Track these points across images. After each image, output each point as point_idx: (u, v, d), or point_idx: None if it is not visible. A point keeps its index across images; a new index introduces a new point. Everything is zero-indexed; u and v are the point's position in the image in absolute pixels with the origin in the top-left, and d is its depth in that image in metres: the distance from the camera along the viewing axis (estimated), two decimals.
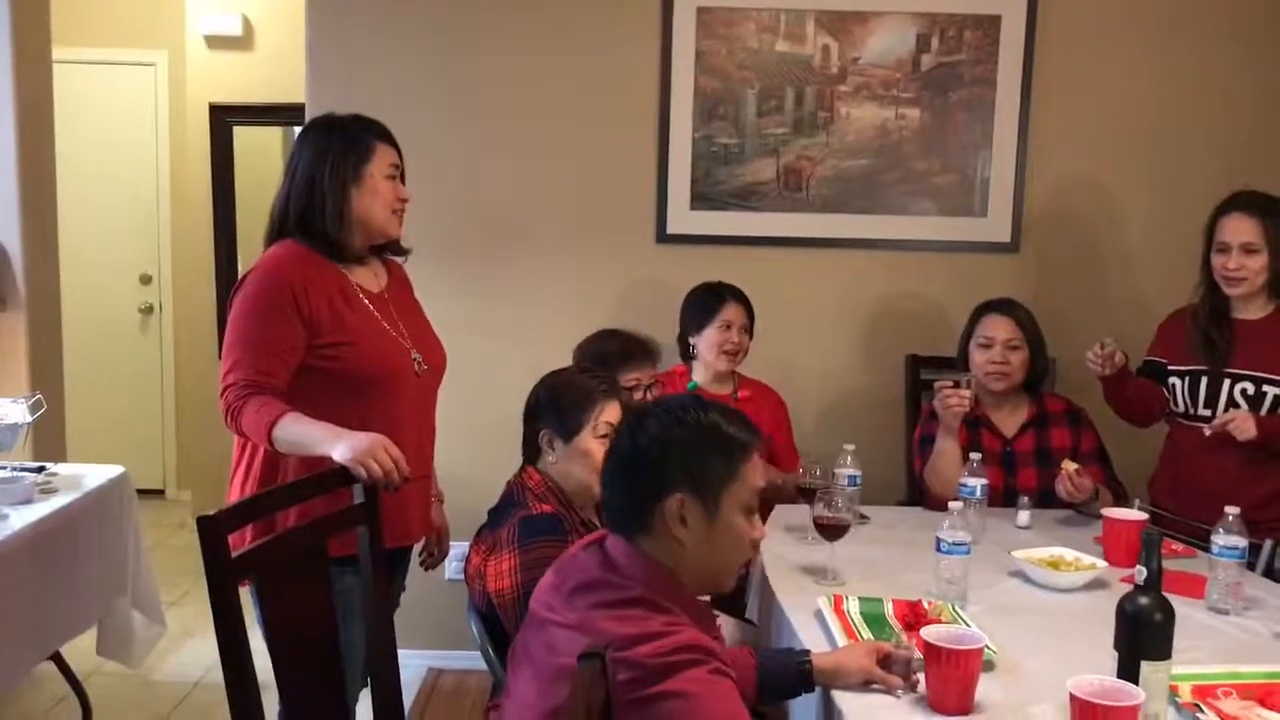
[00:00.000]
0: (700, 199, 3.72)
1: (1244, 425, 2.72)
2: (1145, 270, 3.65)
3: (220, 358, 2.33)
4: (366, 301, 2.38)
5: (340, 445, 2.13)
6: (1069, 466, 2.86)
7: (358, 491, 2.11)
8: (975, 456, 2.82)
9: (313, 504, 2.15)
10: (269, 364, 2.23)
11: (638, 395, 2.73)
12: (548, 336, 3.26)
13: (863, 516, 2.88)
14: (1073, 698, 1.61)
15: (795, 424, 3.48)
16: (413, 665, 3.01)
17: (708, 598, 2.03)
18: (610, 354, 2.62)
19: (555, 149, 3.67)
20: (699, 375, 3.33)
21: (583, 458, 2.25)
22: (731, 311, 3.25)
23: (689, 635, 1.53)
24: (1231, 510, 2.32)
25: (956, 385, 2.93)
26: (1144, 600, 1.72)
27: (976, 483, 2.76)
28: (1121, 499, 2.98)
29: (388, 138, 2.42)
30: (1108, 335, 2.95)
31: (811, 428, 3.57)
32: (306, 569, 1.98)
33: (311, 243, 2.34)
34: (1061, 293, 3.50)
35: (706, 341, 3.26)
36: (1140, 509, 2.77)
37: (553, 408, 2.28)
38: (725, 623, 2.73)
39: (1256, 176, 3.00)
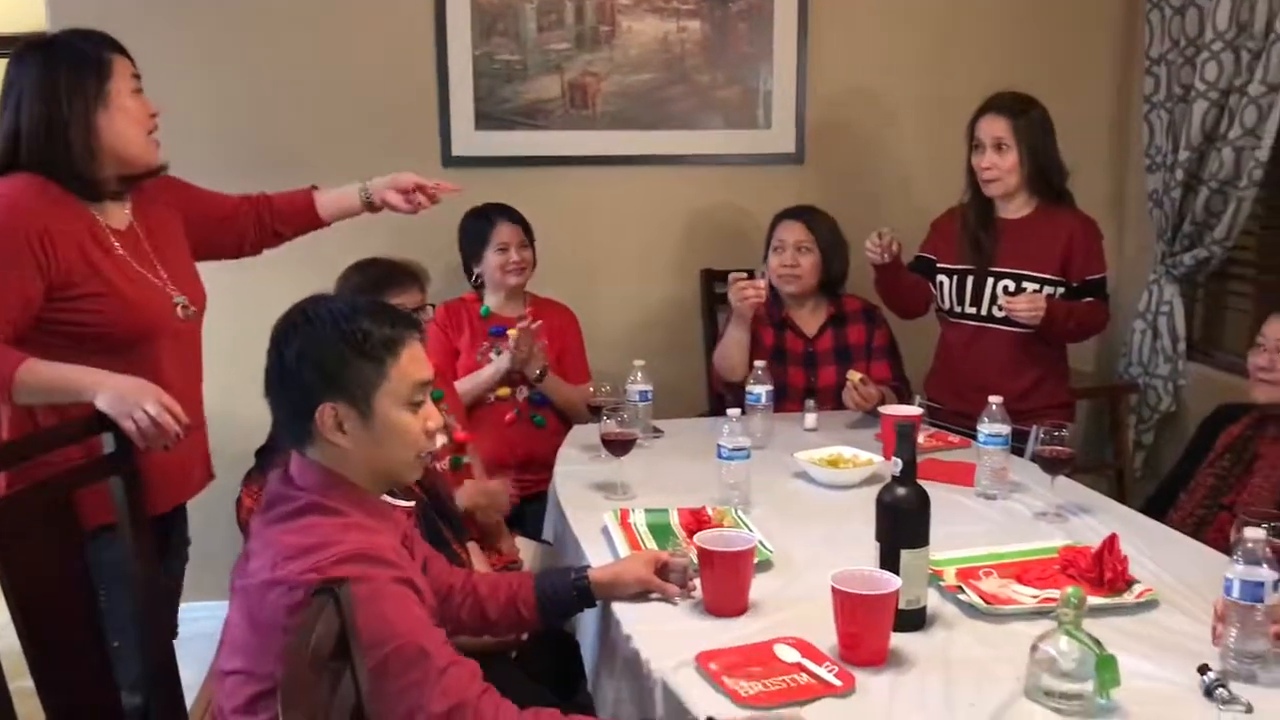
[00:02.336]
0: (485, 119, 3.62)
1: (1033, 304, 2.83)
2: (921, 177, 3.76)
3: None
4: (118, 244, 2.15)
5: (105, 391, 1.93)
6: (854, 377, 2.94)
7: (108, 440, 1.93)
8: (759, 364, 2.87)
9: (55, 459, 1.94)
10: None
11: None
12: (329, 267, 3.11)
13: (656, 430, 2.90)
14: (834, 590, 1.65)
15: (593, 342, 3.46)
16: (209, 619, 2.90)
17: (410, 504, 2.03)
18: (371, 283, 2.55)
19: (325, 70, 3.49)
20: (491, 300, 3.28)
21: None
22: (505, 232, 3.20)
23: (357, 544, 1.52)
24: (994, 400, 2.43)
25: (750, 276, 2.99)
26: (900, 491, 1.78)
27: (761, 389, 2.81)
28: (905, 396, 3.09)
29: (119, 48, 2.17)
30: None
31: (610, 345, 3.55)
32: (52, 532, 1.79)
33: (53, 178, 2.08)
34: (845, 201, 3.56)
35: (488, 266, 3.21)
36: (920, 405, 2.89)
37: None
38: (524, 545, 2.73)
39: (1023, 82, 3.11)
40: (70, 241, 2.07)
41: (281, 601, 1.46)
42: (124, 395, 1.93)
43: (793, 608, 1.86)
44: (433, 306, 2.72)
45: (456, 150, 3.60)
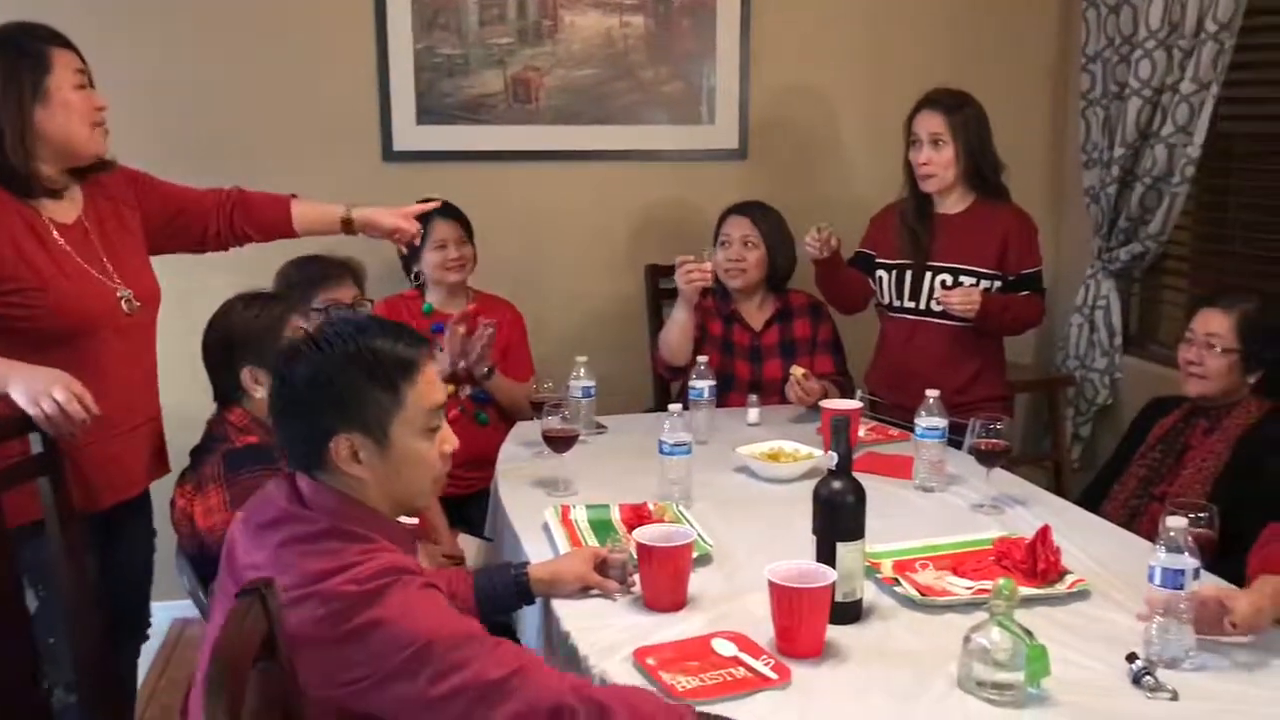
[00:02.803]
0: (427, 113, 3.59)
1: (968, 298, 2.87)
2: (860, 172, 3.79)
3: None
4: (59, 238, 2.12)
5: (15, 380, 1.90)
6: (796, 372, 2.97)
7: (35, 440, 1.92)
8: (702, 360, 2.88)
9: None
10: None
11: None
12: (273, 264, 3.07)
13: (600, 426, 2.90)
14: (770, 583, 1.66)
15: (538, 338, 3.45)
16: (157, 618, 2.87)
17: (415, 521, 2.00)
18: (309, 280, 2.53)
19: (264, 63, 3.45)
20: (432, 297, 3.26)
21: None
22: (443, 229, 3.17)
23: (386, 560, 1.49)
24: (932, 394, 2.46)
25: (698, 259, 3.03)
26: (836, 485, 1.79)
27: (704, 385, 2.82)
28: (848, 391, 3.12)
29: (63, 41, 2.13)
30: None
31: (554, 341, 3.55)
32: None
33: None
34: (788, 196, 3.57)
35: (428, 265, 3.19)
36: (861, 399, 2.92)
37: (248, 343, 2.16)
38: (467, 542, 2.72)
39: (963, 78, 3.14)
40: (4, 236, 2.04)
41: (316, 613, 1.41)
42: (32, 383, 1.91)
43: (732, 601, 1.87)
44: (371, 301, 2.70)
45: (398, 145, 3.57)
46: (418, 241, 2.57)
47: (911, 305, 3.04)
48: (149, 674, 3.25)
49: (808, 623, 1.67)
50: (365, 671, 1.41)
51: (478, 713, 1.41)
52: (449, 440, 1.62)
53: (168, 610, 3.55)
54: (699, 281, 3.00)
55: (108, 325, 2.15)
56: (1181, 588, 1.62)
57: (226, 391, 2.19)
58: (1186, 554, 1.62)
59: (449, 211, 3.21)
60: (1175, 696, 1.56)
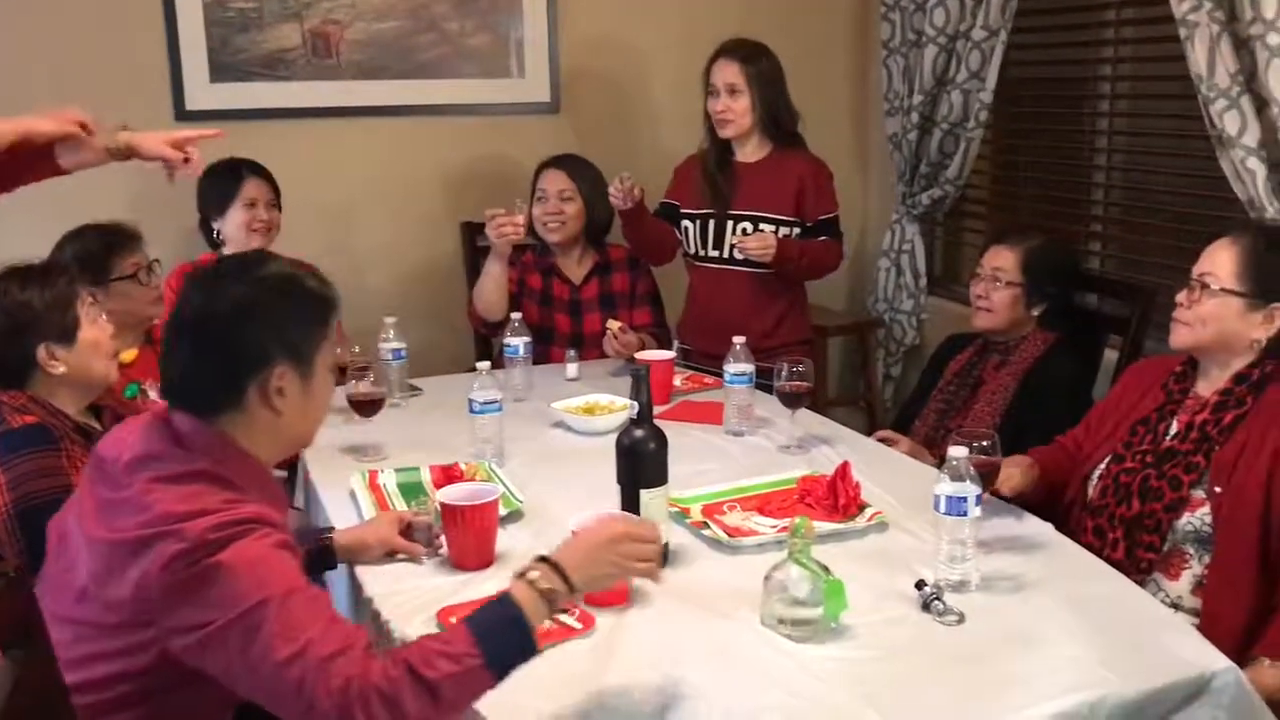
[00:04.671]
0: (221, 70, 3.43)
1: (764, 243, 2.91)
2: (671, 125, 3.79)
3: None
4: None
5: None
6: (613, 326, 2.98)
7: None
8: (516, 316, 2.86)
9: None
10: None
11: (145, 280, 2.57)
12: (39, 241, 2.86)
13: (414, 389, 2.85)
14: (572, 534, 1.66)
15: (350, 301, 3.30)
16: None
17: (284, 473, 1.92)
18: (101, 249, 2.40)
19: (43, 20, 3.22)
20: None
21: (93, 349, 2.09)
22: (254, 187, 3.08)
23: (250, 509, 1.40)
24: (738, 340, 2.50)
25: (508, 212, 2.99)
26: (638, 433, 1.80)
27: (519, 341, 2.80)
28: (664, 342, 3.15)
29: None
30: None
31: (367, 304, 3.45)
32: None
33: None
34: (602, 149, 3.56)
35: (233, 223, 3.07)
36: (677, 349, 2.95)
37: (38, 321, 2.04)
38: None
39: (768, 29, 3.17)
40: None
41: (169, 549, 1.33)
42: None
43: None
44: (158, 262, 2.60)
45: (191, 104, 3.41)
46: (191, 174, 2.41)
47: (716, 254, 3.09)
48: None
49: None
50: (201, 619, 1.33)
51: (303, 686, 1.31)
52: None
53: None
54: (510, 234, 2.97)
55: None
56: (965, 514, 1.69)
57: (10, 374, 2.06)
58: (968, 481, 1.69)
59: (261, 171, 3.10)
60: (962, 619, 1.63)
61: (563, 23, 3.71)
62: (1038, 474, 2.03)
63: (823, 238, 3.07)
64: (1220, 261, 1.99)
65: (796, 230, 3.05)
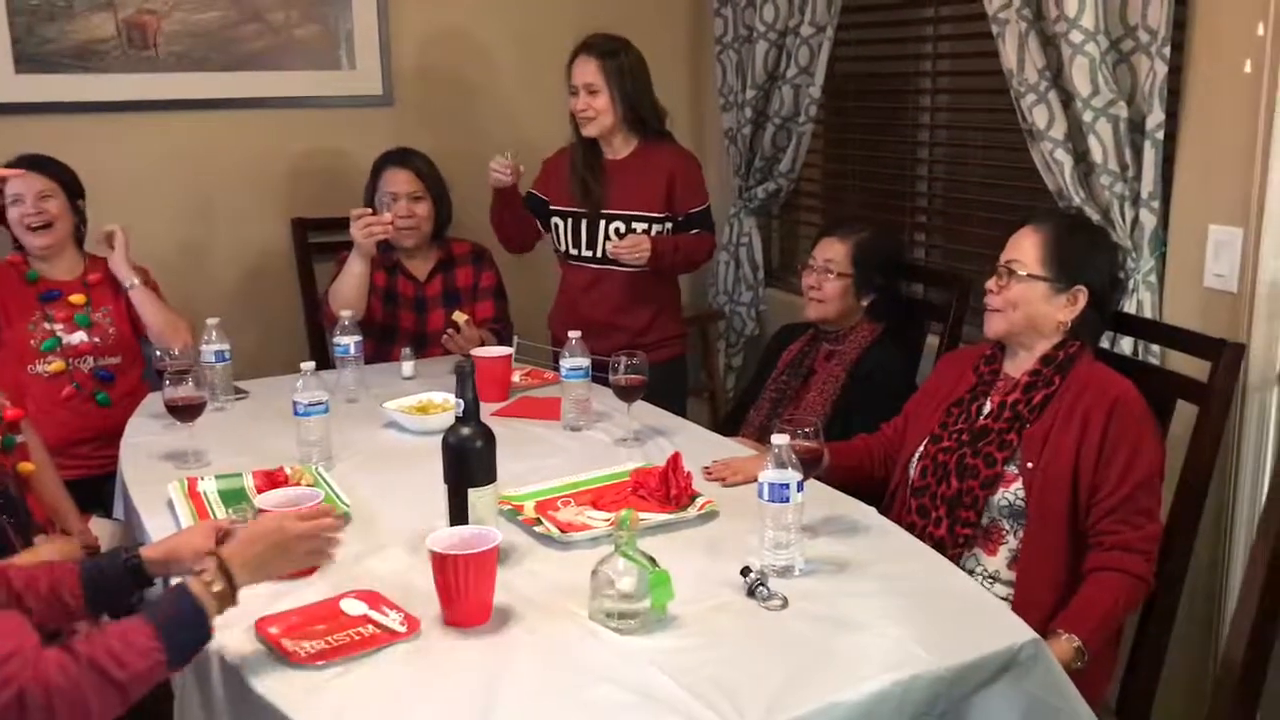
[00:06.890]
0: (27, 61, 3.24)
1: (636, 247, 2.90)
2: (526, 117, 3.75)
3: None
4: None
5: None
6: (459, 317, 2.96)
7: None
8: (346, 314, 2.79)
9: None
10: None
11: None
12: None
13: (239, 391, 2.75)
14: (432, 554, 1.60)
15: (176, 302, 3.20)
16: None
17: None
18: None
19: None
20: (38, 264, 2.95)
21: None
22: (18, 184, 2.84)
23: None
24: (574, 335, 2.49)
25: (374, 211, 2.95)
26: (465, 431, 1.78)
27: (349, 340, 2.74)
28: (505, 338, 3.11)
29: None
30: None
31: (198, 304, 3.32)
32: None
33: None
34: (440, 141, 3.50)
35: (11, 223, 2.88)
36: (519, 344, 2.92)
37: None
38: (99, 526, 2.53)
39: (606, 22, 3.15)
40: None
41: None
42: None
43: (371, 558, 1.83)
44: None
45: None
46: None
47: (589, 254, 3.07)
48: None
49: (476, 590, 1.61)
50: None
51: None
52: None
53: None
54: (379, 234, 2.93)
55: None
56: (788, 500, 1.72)
57: None
58: (790, 469, 1.72)
59: (35, 165, 2.88)
60: (786, 604, 1.66)
61: (395, 15, 3.63)
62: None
63: (695, 230, 3.08)
64: (1025, 248, 2.08)
65: (669, 226, 3.05)
